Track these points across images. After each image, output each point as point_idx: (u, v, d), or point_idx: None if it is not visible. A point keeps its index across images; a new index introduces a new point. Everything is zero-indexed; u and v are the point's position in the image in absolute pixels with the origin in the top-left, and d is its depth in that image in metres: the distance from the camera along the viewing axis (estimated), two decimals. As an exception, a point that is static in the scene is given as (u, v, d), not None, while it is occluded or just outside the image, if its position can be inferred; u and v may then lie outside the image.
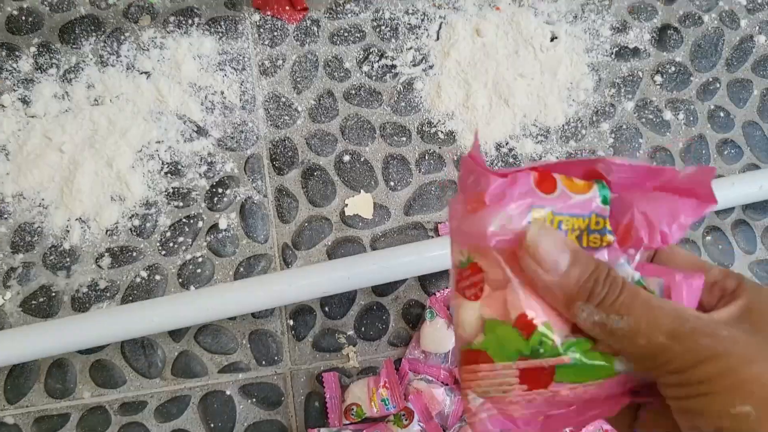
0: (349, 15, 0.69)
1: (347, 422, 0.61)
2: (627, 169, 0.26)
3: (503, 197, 0.25)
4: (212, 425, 0.61)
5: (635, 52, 0.71)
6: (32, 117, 0.65)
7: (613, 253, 0.25)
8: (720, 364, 0.21)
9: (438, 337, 0.63)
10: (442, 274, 0.65)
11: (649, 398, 0.25)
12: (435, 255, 0.56)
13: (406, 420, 0.60)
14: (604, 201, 0.26)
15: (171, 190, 0.65)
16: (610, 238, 0.25)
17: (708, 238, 0.69)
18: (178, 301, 0.54)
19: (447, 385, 0.62)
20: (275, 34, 0.68)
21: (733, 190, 0.59)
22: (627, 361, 0.24)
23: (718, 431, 0.21)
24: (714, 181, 0.60)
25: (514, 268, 0.24)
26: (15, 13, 0.67)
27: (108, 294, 0.62)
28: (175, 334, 0.62)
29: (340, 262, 0.56)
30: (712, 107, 0.71)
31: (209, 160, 0.65)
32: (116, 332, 0.53)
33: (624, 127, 0.69)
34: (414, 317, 0.64)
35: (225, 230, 0.64)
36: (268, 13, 0.68)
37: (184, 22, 0.68)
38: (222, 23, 0.68)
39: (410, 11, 0.69)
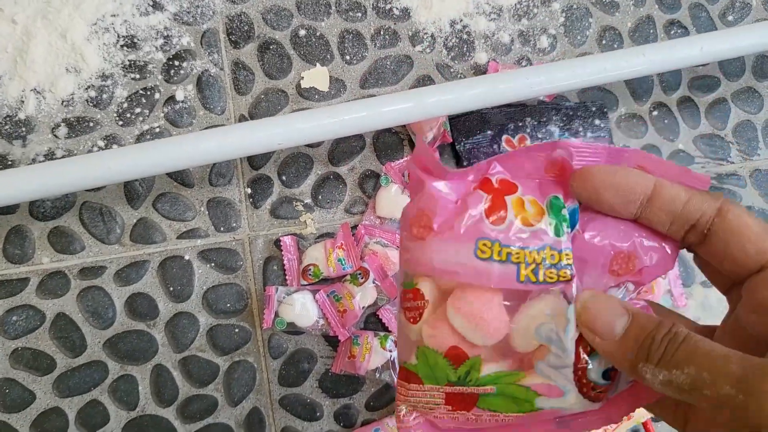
0: None
1: (305, 283, 0.63)
2: (588, 152, 0.25)
3: (451, 228, 0.24)
4: (171, 289, 0.62)
5: (586, -66, 0.72)
6: (-17, -14, 0.64)
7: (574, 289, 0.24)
8: None
9: (393, 202, 0.64)
10: (397, 146, 0.66)
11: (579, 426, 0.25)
12: (389, 110, 0.57)
13: (362, 278, 0.62)
14: (557, 233, 0.24)
15: (127, 63, 0.65)
16: (567, 273, 0.24)
17: (654, 113, 0.71)
18: (135, 151, 0.55)
19: (402, 248, 0.64)
20: None
21: (674, 52, 0.61)
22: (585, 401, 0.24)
23: None
24: (657, 45, 0.62)
25: (452, 303, 0.24)
26: None
27: (64, 160, 0.62)
28: (133, 201, 0.63)
29: (297, 114, 0.57)
30: (660, -11, 0.73)
31: (165, 34, 0.66)
32: (73, 180, 0.54)
33: (575, 6, 0.71)
34: (370, 187, 0.66)
35: (182, 102, 0.65)
36: None
37: None
38: None
39: None
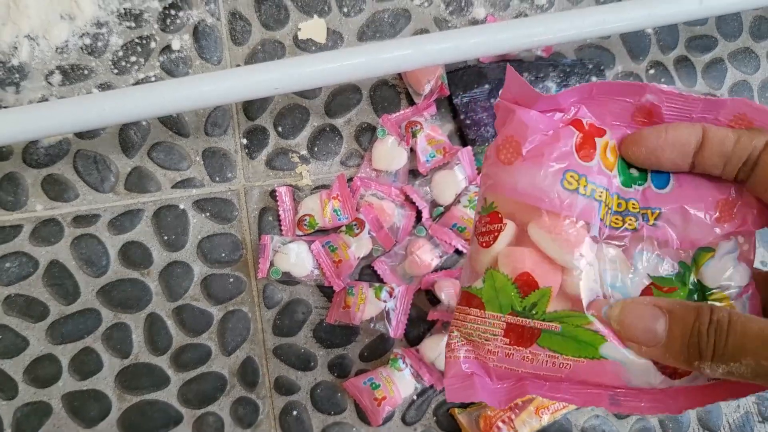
0: None
1: (300, 233, 0.63)
2: (680, 100, 0.25)
3: (541, 155, 0.24)
4: (165, 237, 0.62)
5: None
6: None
7: (638, 240, 0.25)
8: None
9: (389, 154, 0.64)
10: (394, 98, 0.66)
11: (630, 410, 0.25)
12: (387, 56, 0.57)
13: (357, 229, 0.62)
14: (625, 184, 0.25)
15: (123, 11, 0.64)
16: (634, 222, 0.24)
17: (651, 71, 0.71)
18: (130, 93, 0.55)
19: (398, 201, 0.64)
20: None
21: (674, 5, 0.60)
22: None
23: None
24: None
25: (537, 222, 0.24)
26: None
27: (58, 106, 0.62)
28: (128, 149, 0.63)
29: (294, 59, 0.57)
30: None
31: (161, -17, 0.65)
32: (67, 120, 0.53)
33: (574, -37, 0.71)
34: (366, 140, 0.65)
35: (178, 51, 0.64)
36: None
37: None
38: None
39: None
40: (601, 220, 0.24)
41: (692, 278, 0.25)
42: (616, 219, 0.25)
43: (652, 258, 0.25)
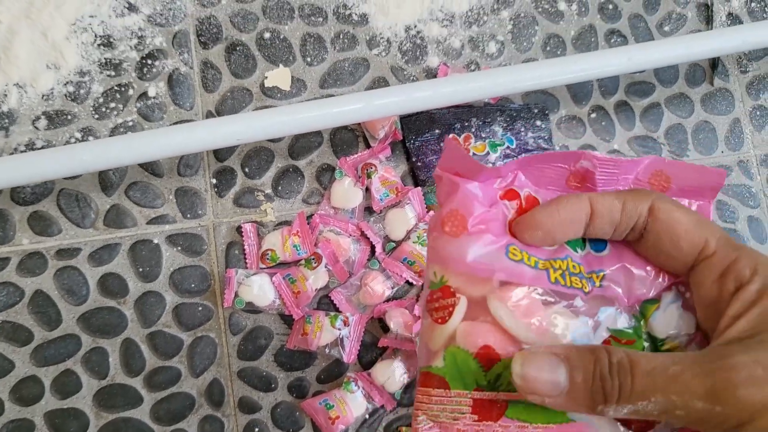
0: None
1: (263, 266, 0.69)
2: (610, 164, 0.26)
3: (486, 230, 0.25)
4: (141, 269, 0.68)
5: (534, -53, 0.78)
6: (-30, -12, 0.69)
7: (597, 301, 0.25)
8: None
9: (346, 194, 0.70)
10: (353, 142, 0.72)
11: None
12: (340, 110, 0.63)
13: (315, 263, 0.67)
14: (573, 249, 0.26)
15: (104, 61, 0.70)
16: (587, 285, 0.25)
17: (593, 115, 0.77)
18: (107, 144, 0.61)
19: (353, 237, 0.70)
20: None
21: (606, 61, 0.66)
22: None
23: None
24: (591, 54, 0.68)
25: (496, 296, 0.24)
26: None
27: (43, 149, 0.68)
28: (107, 188, 0.69)
29: (256, 113, 0.63)
30: (603, 0, 0.78)
31: (139, 35, 0.71)
32: (50, 169, 0.59)
33: (522, 15, 0.77)
34: (326, 179, 0.71)
35: (154, 98, 0.70)
36: None
37: None
38: None
39: None
40: (553, 283, 0.25)
41: (643, 331, 0.25)
42: (575, 280, 0.25)
43: (611, 312, 0.25)
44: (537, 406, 0.23)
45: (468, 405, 0.24)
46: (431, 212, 0.70)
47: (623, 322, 0.25)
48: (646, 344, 0.25)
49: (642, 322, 0.25)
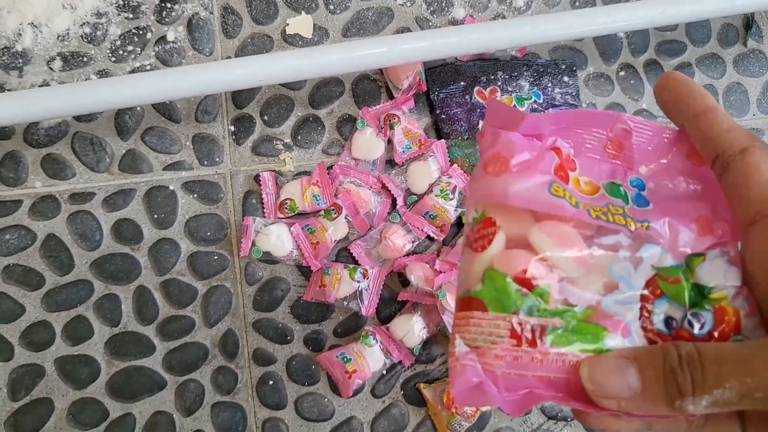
0: None
1: (281, 216, 0.67)
2: (646, 128, 0.26)
3: (528, 169, 0.25)
4: (156, 216, 0.66)
5: None
6: None
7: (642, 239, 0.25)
8: None
9: (368, 145, 0.68)
10: (375, 92, 0.70)
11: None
12: (363, 54, 0.61)
13: (335, 214, 0.66)
14: (615, 194, 0.26)
15: (121, 2, 0.68)
16: (632, 224, 0.25)
17: (621, 73, 0.75)
18: (126, 80, 0.59)
19: (374, 189, 0.68)
20: None
21: (637, 12, 0.64)
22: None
23: None
24: (621, 6, 0.66)
25: (531, 229, 0.24)
26: None
27: (59, 90, 0.66)
28: (123, 133, 0.67)
29: (277, 54, 0.61)
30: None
31: (158, -23, 0.69)
32: (64, 104, 0.57)
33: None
34: (347, 130, 0.69)
35: (173, 42, 0.68)
36: None
37: None
38: None
39: None
40: (596, 218, 0.25)
41: (689, 279, 0.25)
42: (619, 218, 0.25)
43: (656, 251, 0.25)
44: (573, 332, 0.23)
45: (506, 329, 0.23)
46: (454, 166, 0.68)
47: (669, 261, 0.25)
48: (692, 293, 0.25)
49: (688, 272, 0.25)
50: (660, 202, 0.26)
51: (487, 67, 0.70)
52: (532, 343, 0.23)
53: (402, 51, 0.61)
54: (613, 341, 0.24)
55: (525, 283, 0.24)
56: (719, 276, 0.25)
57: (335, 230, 0.65)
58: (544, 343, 0.23)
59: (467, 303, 0.25)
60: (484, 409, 0.63)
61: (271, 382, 0.65)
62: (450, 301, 0.62)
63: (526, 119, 0.26)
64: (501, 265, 0.24)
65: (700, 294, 0.25)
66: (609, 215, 0.25)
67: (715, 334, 0.24)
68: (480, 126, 0.69)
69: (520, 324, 0.23)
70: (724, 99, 0.76)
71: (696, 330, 0.24)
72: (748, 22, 0.76)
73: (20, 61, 0.66)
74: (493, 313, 0.24)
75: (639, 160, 0.27)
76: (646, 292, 0.25)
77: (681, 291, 0.25)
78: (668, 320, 0.24)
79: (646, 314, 0.24)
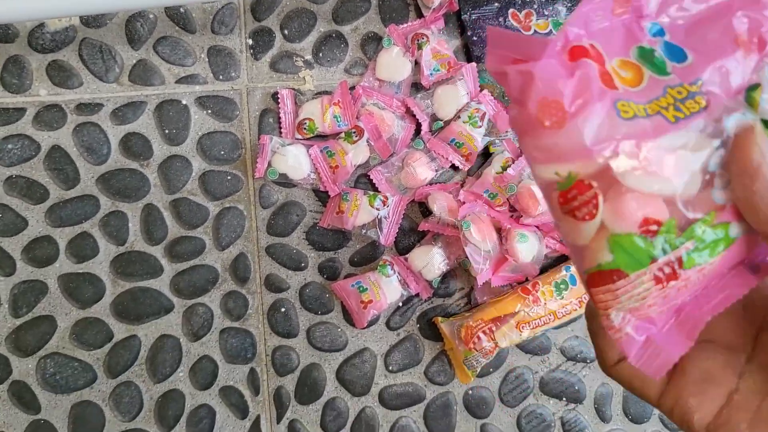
0: None
1: (299, 136, 0.63)
2: None
3: (585, 102, 0.22)
4: (167, 131, 0.63)
5: None
6: None
7: (714, 109, 0.23)
8: None
9: (393, 65, 0.64)
10: (403, 9, 0.66)
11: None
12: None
13: (356, 137, 0.62)
14: (662, 74, 0.23)
15: None
16: (702, 100, 0.23)
17: (665, 3, 0.70)
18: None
19: (398, 113, 0.64)
20: None
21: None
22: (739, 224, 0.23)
23: None
24: None
25: (628, 170, 0.22)
26: None
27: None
28: (134, 41, 0.63)
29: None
30: None
31: None
32: (73, 3, 0.53)
33: None
34: (371, 49, 0.65)
35: (188, -54, 0.64)
36: None
37: None
38: None
39: None
40: (674, 122, 0.23)
41: (759, 119, 0.24)
42: (690, 104, 0.23)
43: (735, 117, 0.23)
44: (705, 244, 0.23)
45: (650, 280, 0.23)
46: (485, 91, 0.64)
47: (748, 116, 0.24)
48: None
49: (754, 112, 0.24)
50: (694, 47, 0.24)
51: (523, -12, 0.66)
52: (674, 276, 0.23)
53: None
54: (736, 228, 0.23)
55: (650, 228, 0.23)
56: None
57: (356, 154, 0.62)
58: (684, 270, 0.23)
59: (604, 277, 0.24)
60: (503, 345, 0.60)
61: (282, 309, 0.63)
62: (474, 233, 0.59)
63: (544, 44, 0.22)
64: (620, 226, 0.23)
65: None
66: (682, 108, 0.23)
67: None
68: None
69: (660, 268, 0.23)
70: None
71: None
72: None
73: (25, -42, 0.62)
74: (634, 273, 0.23)
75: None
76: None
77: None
78: None
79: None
